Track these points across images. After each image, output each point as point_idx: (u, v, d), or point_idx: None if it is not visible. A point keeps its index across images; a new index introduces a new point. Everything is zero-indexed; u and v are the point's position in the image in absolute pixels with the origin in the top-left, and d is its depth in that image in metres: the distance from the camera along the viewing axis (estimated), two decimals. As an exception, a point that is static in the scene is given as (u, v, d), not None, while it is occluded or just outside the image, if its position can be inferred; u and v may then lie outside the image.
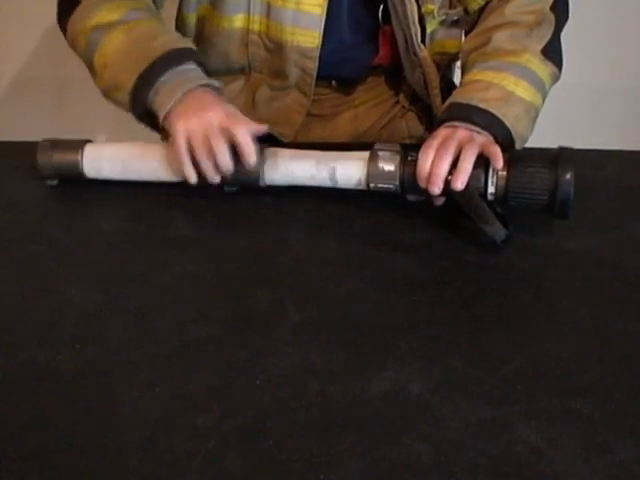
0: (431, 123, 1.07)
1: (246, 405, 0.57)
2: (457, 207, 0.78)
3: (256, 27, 0.98)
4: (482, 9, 0.97)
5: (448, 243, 0.79)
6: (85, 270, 0.76)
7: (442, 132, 0.81)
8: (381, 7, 0.99)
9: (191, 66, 0.87)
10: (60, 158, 0.88)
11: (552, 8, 0.92)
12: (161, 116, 0.84)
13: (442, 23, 0.99)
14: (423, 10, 0.95)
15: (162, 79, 0.84)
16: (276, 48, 0.99)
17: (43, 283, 0.73)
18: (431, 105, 1.05)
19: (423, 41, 0.98)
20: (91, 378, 0.60)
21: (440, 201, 0.81)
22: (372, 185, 0.81)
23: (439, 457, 0.52)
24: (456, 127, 0.82)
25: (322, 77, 1.02)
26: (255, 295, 0.71)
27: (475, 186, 0.77)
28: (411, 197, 0.82)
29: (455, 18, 0.99)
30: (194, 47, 0.91)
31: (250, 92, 1.05)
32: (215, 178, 0.83)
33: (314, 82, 1.01)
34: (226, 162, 0.82)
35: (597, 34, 1.61)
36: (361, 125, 1.11)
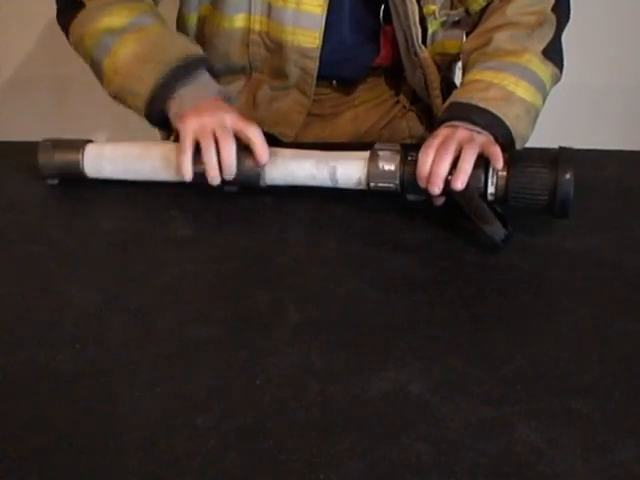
0: (431, 123, 1.07)
1: (246, 405, 0.57)
2: (457, 207, 0.78)
3: (257, 27, 0.98)
4: (483, 10, 0.97)
5: (448, 243, 0.79)
6: (85, 270, 0.76)
7: (442, 132, 0.81)
8: (382, 7, 0.99)
9: (204, 75, 0.89)
10: (61, 158, 0.88)
11: (553, 9, 0.93)
12: (174, 118, 0.85)
13: (443, 24, 0.99)
14: (424, 11, 0.95)
15: (180, 90, 0.86)
16: (277, 48, 0.99)
17: (43, 283, 0.73)
18: (431, 105, 1.05)
19: (424, 42, 0.98)
20: (91, 378, 0.60)
21: (440, 201, 0.81)
22: (372, 184, 0.81)
23: (439, 457, 0.52)
24: (456, 127, 0.82)
25: (323, 77, 1.02)
26: (255, 295, 0.71)
27: (475, 186, 0.77)
28: (411, 197, 0.82)
29: (456, 19, 0.99)
30: (203, 52, 0.92)
31: (251, 92, 1.05)
32: (216, 179, 0.83)
33: (315, 82, 1.01)
34: (231, 162, 0.82)
35: (597, 34, 1.61)
36: (361, 125, 1.11)
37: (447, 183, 0.77)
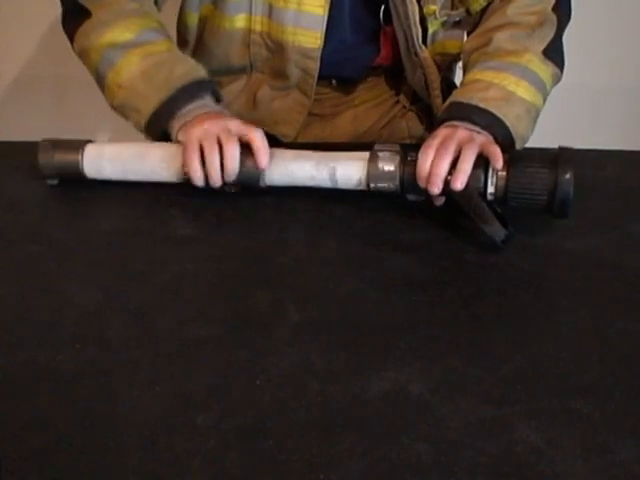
0: (431, 123, 1.07)
1: (246, 405, 0.57)
2: (457, 207, 0.78)
3: (258, 27, 0.98)
4: (484, 10, 0.97)
5: (448, 243, 0.79)
6: (85, 269, 0.76)
7: (442, 132, 0.81)
8: (382, 7, 0.99)
9: (208, 99, 0.89)
10: (61, 158, 0.88)
11: (554, 9, 0.92)
12: (174, 134, 0.86)
13: (444, 24, 0.99)
14: (425, 11, 0.95)
15: (183, 111, 0.86)
16: (277, 48, 0.99)
17: (43, 283, 0.73)
18: (431, 105, 1.05)
19: (424, 42, 0.98)
20: (91, 378, 0.60)
21: (440, 201, 0.81)
22: (372, 185, 0.81)
23: (439, 457, 0.52)
24: (456, 127, 0.82)
25: (323, 77, 1.02)
26: (255, 295, 0.71)
27: (475, 186, 0.77)
28: (411, 197, 0.82)
29: (457, 19, 0.99)
30: (208, 77, 0.92)
31: (251, 92, 1.05)
32: (217, 182, 0.83)
33: (315, 82, 1.01)
34: (234, 166, 0.82)
35: (597, 34, 1.61)
36: (361, 125, 1.11)
37: (447, 183, 0.77)
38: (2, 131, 1.57)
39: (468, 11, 0.97)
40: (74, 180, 0.89)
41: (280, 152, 0.85)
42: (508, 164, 0.77)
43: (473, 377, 0.60)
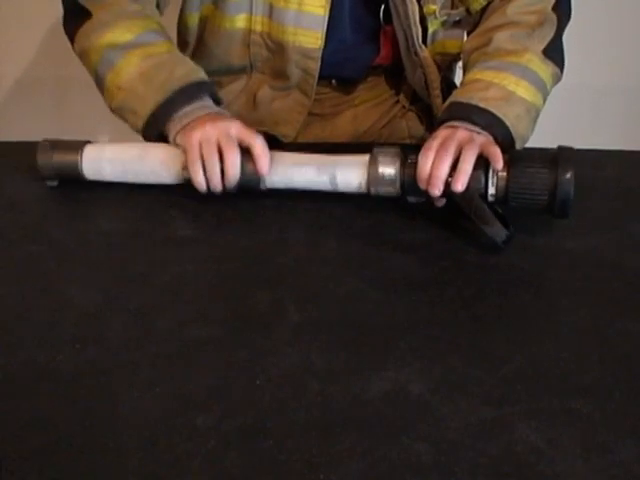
0: (431, 123, 1.07)
1: (246, 405, 0.57)
2: (457, 208, 0.78)
3: (258, 27, 0.98)
4: (484, 9, 0.97)
5: (448, 243, 0.79)
6: (85, 270, 0.76)
7: (442, 133, 0.81)
8: (382, 7, 0.99)
9: (207, 101, 0.88)
10: (60, 159, 0.88)
11: (554, 8, 0.92)
12: (172, 137, 0.85)
13: (444, 24, 0.99)
14: (425, 10, 0.95)
15: (180, 114, 0.85)
16: (278, 49, 0.99)
17: (43, 283, 0.73)
18: (431, 105, 1.05)
19: (424, 41, 0.98)
20: (91, 378, 0.60)
21: (441, 202, 0.81)
22: (373, 190, 0.81)
23: (439, 457, 0.52)
24: (456, 127, 0.82)
25: (323, 77, 1.02)
26: (255, 295, 0.71)
27: (475, 187, 0.77)
28: (411, 199, 0.82)
29: (457, 19, 0.99)
30: (207, 79, 0.91)
31: (251, 92, 1.05)
32: (218, 187, 0.83)
33: (316, 82, 1.01)
34: (234, 172, 0.82)
35: (597, 34, 1.61)
36: (361, 125, 1.11)
37: (447, 185, 0.77)
38: (3, 132, 1.58)
39: (468, 10, 0.97)
40: (74, 180, 0.89)
41: (280, 156, 0.85)
42: (508, 164, 0.77)
43: (473, 377, 0.60)
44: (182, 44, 1.05)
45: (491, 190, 0.77)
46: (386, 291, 0.72)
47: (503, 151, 0.77)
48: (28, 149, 0.90)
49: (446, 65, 1.04)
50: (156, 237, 0.81)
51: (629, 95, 1.76)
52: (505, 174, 0.77)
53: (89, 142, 0.90)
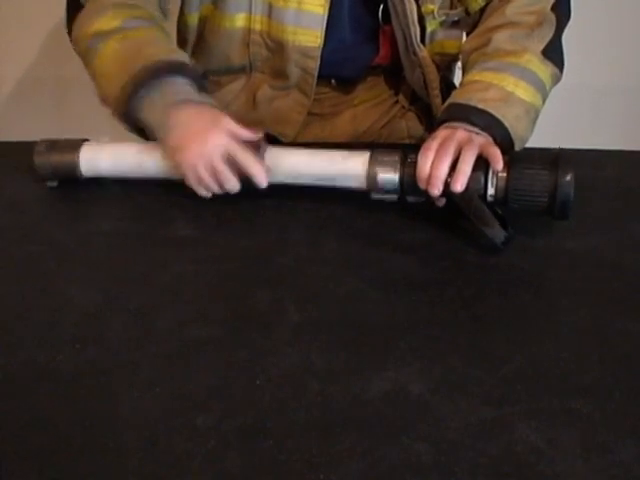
0: (431, 123, 1.07)
1: (246, 405, 0.57)
2: (457, 209, 0.78)
3: (257, 27, 0.98)
4: (483, 10, 0.97)
5: (448, 243, 0.79)
6: (85, 270, 0.76)
7: (441, 133, 0.81)
8: (381, 7, 0.99)
9: (181, 87, 0.85)
10: (57, 158, 0.88)
11: (553, 8, 0.92)
12: (156, 137, 0.85)
13: (442, 24, 0.99)
14: (423, 10, 0.95)
15: (145, 95, 0.83)
16: (277, 48, 0.99)
17: (43, 283, 0.73)
18: (431, 105, 1.05)
19: (423, 41, 0.98)
20: (91, 378, 0.60)
21: (441, 202, 0.81)
22: (373, 195, 0.82)
23: (439, 457, 0.52)
24: (455, 128, 0.81)
25: (322, 76, 1.02)
26: (255, 295, 0.71)
27: (475, 188, 0.77)
28: (411, 199, 0.82)
29: (455, 19, 0.99)
30: (187, 60, 0.89)
31: (251, 92, 1.05)
32: (221, 192, 0.84)
33: (315, 82, 1.01)
34: (234, 187, 0.83)
35: (597, 34, 1.61)
36: (361, 125, 1.11)
37: (447, 185, 0.77)
38: (3, 132, 1.57)
39: (467, 11, 0.97)
40: (74, 180, 0.89)
41: (279, 163, 0.84)
42: (508, 165, 0.77)
43: (473, 377, 0.60)
44: (182, 43, 1.05)
45: (490, 191, 0.77)
46: (386, 291, 0.72)
47: (503, 152, 0.77)
48: (28, 149, 0.90)
49: (445, 65, 1.04)
50: (156, 237, 0.81)
51: (629, 95, 1.76)
52: (505, 175, 0.77)
53: (86, 140, 0.90)
